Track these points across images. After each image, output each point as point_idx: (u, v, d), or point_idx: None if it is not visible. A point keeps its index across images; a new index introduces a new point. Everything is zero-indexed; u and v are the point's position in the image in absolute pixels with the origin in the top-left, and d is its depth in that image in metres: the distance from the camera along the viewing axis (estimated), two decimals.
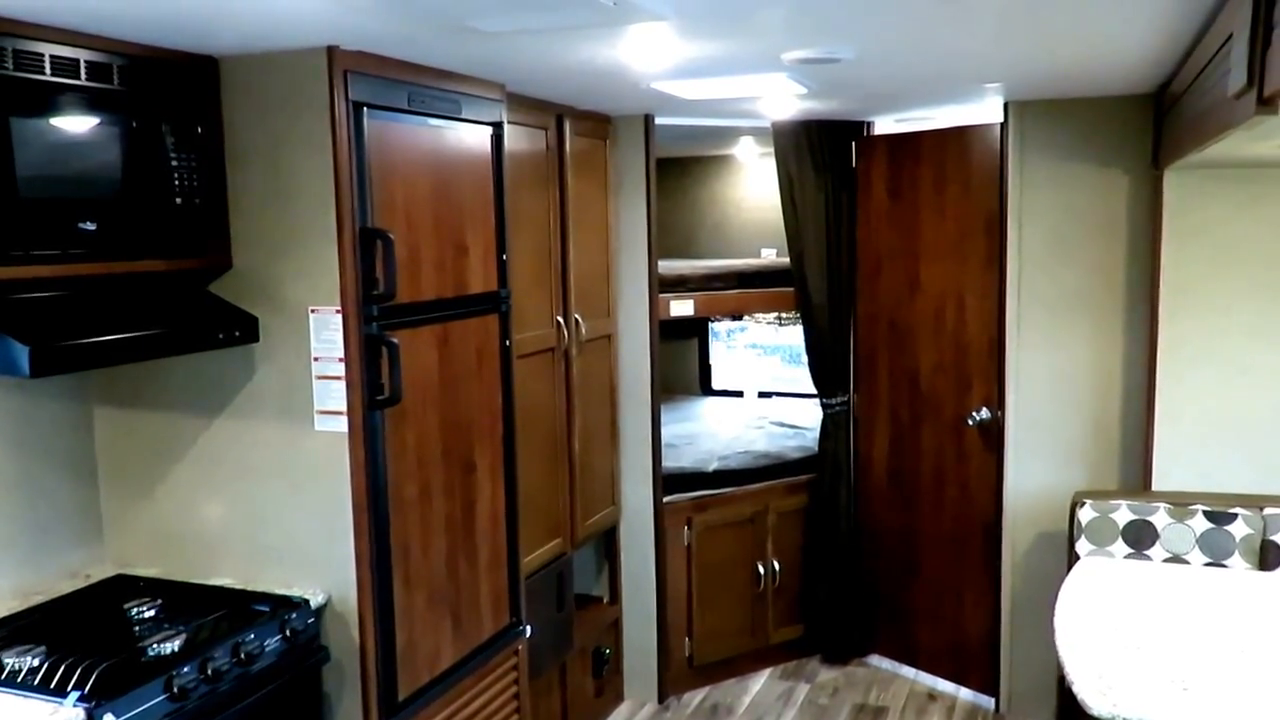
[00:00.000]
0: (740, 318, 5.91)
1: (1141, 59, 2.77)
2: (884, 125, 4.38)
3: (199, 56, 2.37)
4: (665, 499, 4.05)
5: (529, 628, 3.15)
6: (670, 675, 4.13)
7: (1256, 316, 3.23)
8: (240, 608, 2.40)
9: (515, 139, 3.09)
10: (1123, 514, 3.24)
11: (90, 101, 2.14)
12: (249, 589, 2.51)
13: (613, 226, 3.86)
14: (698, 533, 4.17)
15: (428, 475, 2.68)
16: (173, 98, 2.31)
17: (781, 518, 4.37)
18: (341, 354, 2.42)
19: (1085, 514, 3.29)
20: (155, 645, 2.15)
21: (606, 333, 3.85)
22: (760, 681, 4.29)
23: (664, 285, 4.05)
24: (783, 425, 4.95)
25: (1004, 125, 3.65)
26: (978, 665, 4.04)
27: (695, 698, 4.16)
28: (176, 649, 2.15)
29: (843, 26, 2.27)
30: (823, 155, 4.19)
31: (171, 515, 2.64)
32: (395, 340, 2.48)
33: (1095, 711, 2.08)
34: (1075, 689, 2.21)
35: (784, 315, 5.88)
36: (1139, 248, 3.48)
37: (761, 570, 4.32)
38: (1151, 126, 3.40)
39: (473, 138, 2.83)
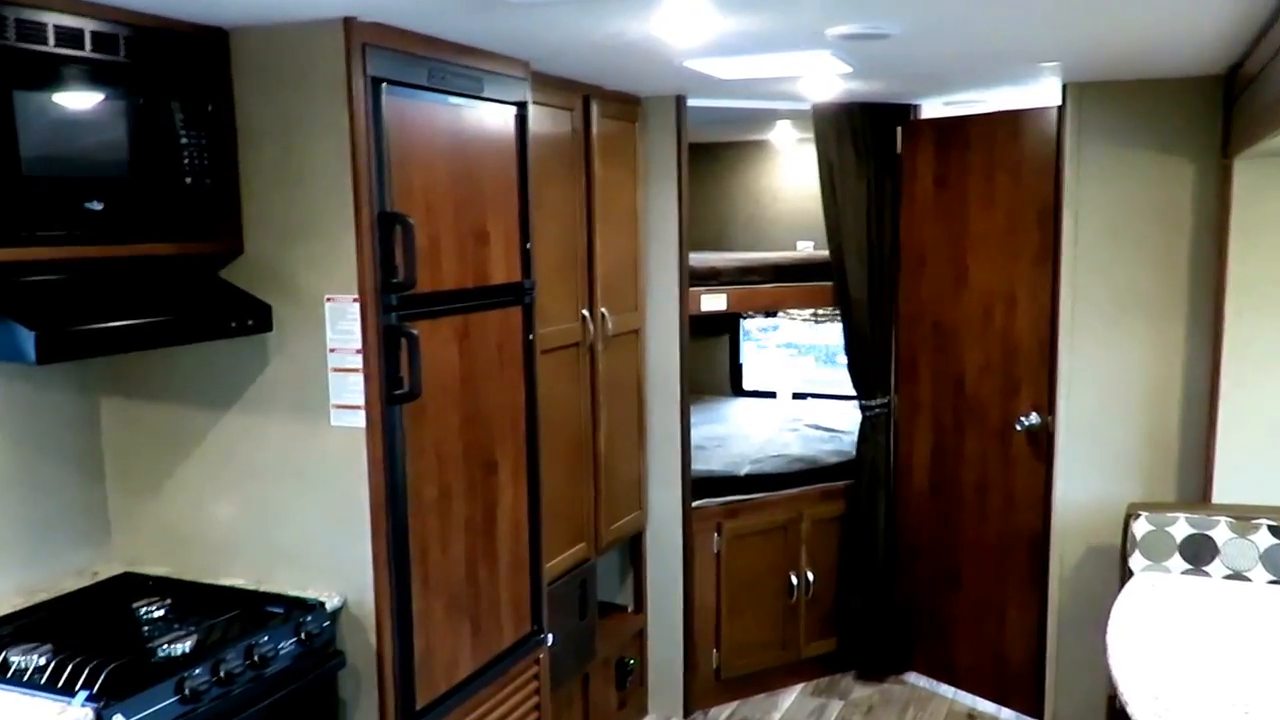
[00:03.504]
0: (774, 314, 5.72)
1: (1214, 37, 2.59)
2: (931, 109, 4.18)
3: (208, 28, 2.24)
4: (694, 504, 3.89)
5: (550, 636, 3.01)
6: (696, 688, 3.97)
7: None
8: (252, 609, 2.30)
9: (539, 120, 2.94)
10: (1181, 528, 3.05)
11: (96, 75, 2.03)
12: (261, 590, 2.40)
13: (641, 215, 3.70)
14: (727, 540, 4.00)
15: (448, 475, 2.55)
16: (181, 72, 2.19)
17: (816, 525, 4.19)
18: (359, 345, 2.29)
19: (1140, 527, 3.10)
20: (165, 646, 2.06)
21: (634, 328, 3.70)
22: (791, 698, 4.12)
23: (695, 278, 3.89)
24: (818, 428, 4.78)
25: (1061, 109, 3.44)
26: (1021, 685, 3.84)
27: (723, 713, 4.00)
28: (188, 650, 2.06)
29: None
30: (865, 140, 4.00)
31: (180, 512, 2.52)
32: (415, 331, 2.35)
33: None
34: (1129, 710, 2.07)
35: (820, 312, 5.68)
36: (1204, 242, 3.27)
37: (794, 580, 4.15)
38: (1221, 111, 3.18)
39: (495, 118, 2.69)
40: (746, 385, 5.74)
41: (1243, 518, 3.00)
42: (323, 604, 2.31)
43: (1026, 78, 3.35)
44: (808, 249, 5.03)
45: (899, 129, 4.10)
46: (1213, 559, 3.01)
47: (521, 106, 2.78)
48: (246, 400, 2.42)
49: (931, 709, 3.99)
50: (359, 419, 2.31)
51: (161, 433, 2.51)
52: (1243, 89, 2.81)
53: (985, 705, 3.98)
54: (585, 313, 3.33)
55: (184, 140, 2.19)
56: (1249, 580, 2.97)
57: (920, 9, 2.21)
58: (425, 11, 2.17)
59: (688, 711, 3.94)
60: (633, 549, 3.88)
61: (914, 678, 4.24)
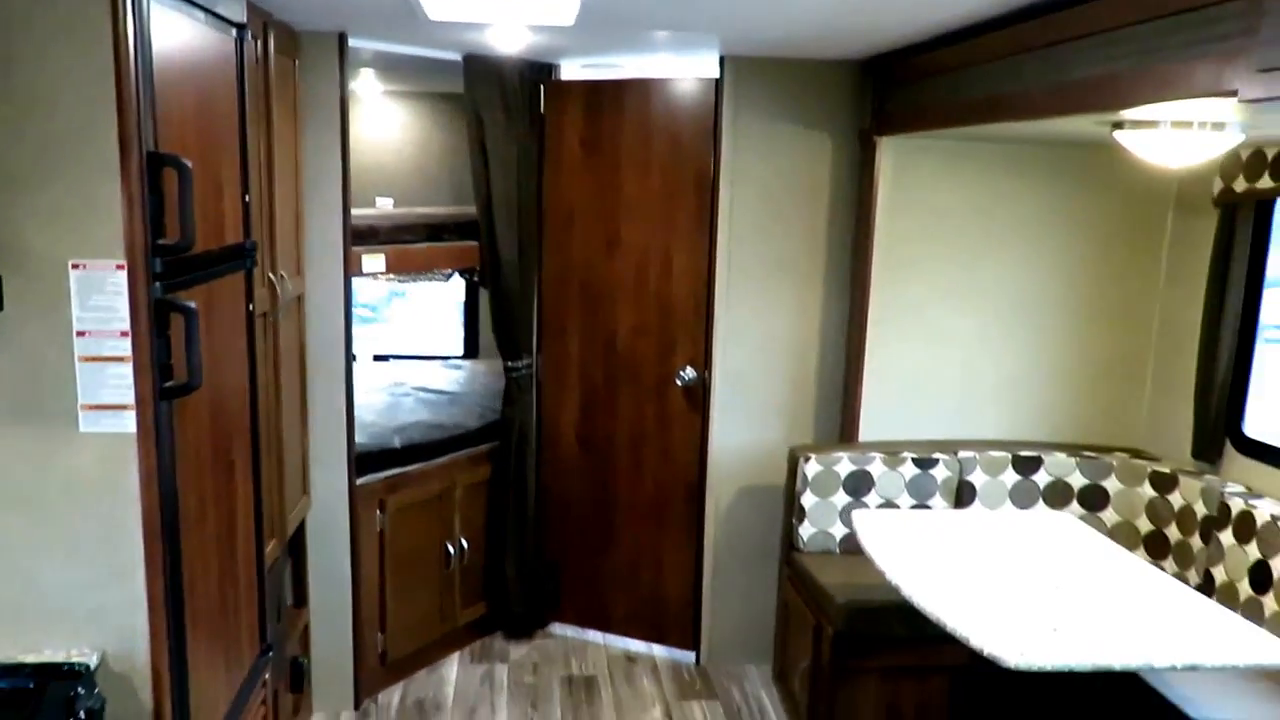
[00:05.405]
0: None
1: (892, 36, 2.93)
2: (570, 70, 4.17)
3: None
4: (358, 481, 3.58)
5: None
6: (364, 677, 3.67)
7: (956, 282, 3.62)
8: None
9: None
10: (844, 465, 3.50)
11: None
12: None
13: (303, 166, 3.26)
14: (391, 516, 3.74)
15: (204, 481, 2.08)
16: None
17: (468, 491, 4.08)
18: (126, 326, 1.76)
19: (811, 468, 3.50)
20: None
21: (299, 293, 3.27)
22: (453, 669, 3.99)
23: (354, 237, 3.53)
24: (429, 391, 4.61)
25: (719, 81, 3.65)
26: (676, 623, 4.10)
27: (394, 697, 3.76)
28: None
29: None
30: (515, 99, 3.90)
31: None
32: (193, 304, 1.86)
33: (1010, 664, 2.15)
34: (984, 650, 2.20)
35: (403, 273, 5.46)
36: (841, 214, 3.71)
37: (450, 550, 4.01)
38: (864, 94, 3.58)
39: (222, 42, 2.20)
40: None
41: (891, 453, 3.52)
42: (89, 667, 1.77)
43: (702, 46, 3.46)
44: (387, 206, 4.80)
45: (542, 88, 4.05)
46: (869, 490, 3.51)
47: (241, 29, 2.31)
48: None
49: (591, 656, 4.12)
50: (126, 422, 1.79)
51: None
52: (913, 79, 3.20)
53: (637, 645, 4.20)
54: (271, 276, 2.86)
55: None
56: (898, 507, 3.50)
57: None
58: None
59: (358, 702, 3.64)
60: (293, 537, 3.45)
61: (559, 628, 4.33)
